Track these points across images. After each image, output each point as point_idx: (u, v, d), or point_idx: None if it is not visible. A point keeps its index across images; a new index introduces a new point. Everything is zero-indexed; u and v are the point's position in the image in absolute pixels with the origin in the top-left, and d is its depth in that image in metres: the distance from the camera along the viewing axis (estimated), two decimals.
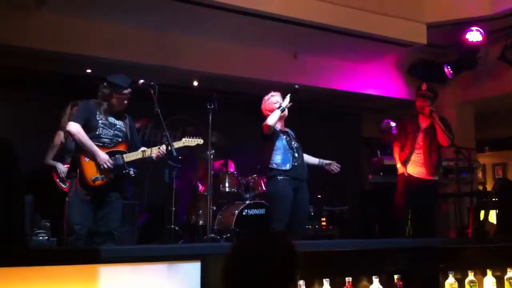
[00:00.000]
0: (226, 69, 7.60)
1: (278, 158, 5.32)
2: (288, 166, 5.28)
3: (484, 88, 8.75)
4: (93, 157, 4.62)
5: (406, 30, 7.43)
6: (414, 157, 6.17)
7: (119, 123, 4.85)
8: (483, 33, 7.59)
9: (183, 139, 5.19)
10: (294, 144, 5.44)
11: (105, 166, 4.62)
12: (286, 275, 1.81)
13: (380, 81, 8.90)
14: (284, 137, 5.39)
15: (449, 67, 8.33)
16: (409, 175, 6.16)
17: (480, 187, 8.64)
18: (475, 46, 7.77)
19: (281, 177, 5.27)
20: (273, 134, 5.34)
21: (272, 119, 5.25)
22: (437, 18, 7.55)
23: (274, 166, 5.31)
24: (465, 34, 7.63)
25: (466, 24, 7.59)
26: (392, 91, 9.04)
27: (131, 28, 6.88)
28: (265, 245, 1.85)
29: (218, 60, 7.46)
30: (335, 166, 5.71)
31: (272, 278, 1.79)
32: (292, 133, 5.57)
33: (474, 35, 7.60)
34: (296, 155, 5.38)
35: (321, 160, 5.73)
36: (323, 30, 7.02)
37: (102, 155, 4.63)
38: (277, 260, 1.81)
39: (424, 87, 6.28)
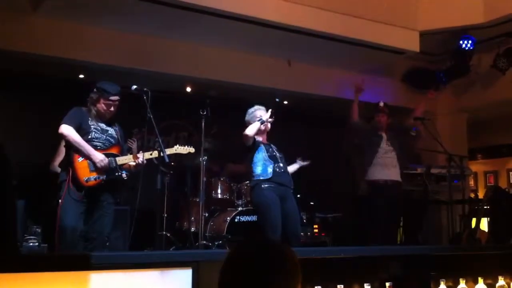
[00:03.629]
0: (219, 75, 7.59)
1: (258, 169, 5.39)
2: (270, 175, 5.30)
3: (477, 96, 8.79)
4: (88, 157, 4.64)
5: (399, 38, 7.45)
6: None
7: (110, 129, 4.89)
8: (475, 41, 7.63)
9: (175, 147, 5.21)
10: (277, 154, 5.48)
11: (102, 164, 4.65)
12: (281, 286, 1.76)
13: (373, 88, 8.90)
14: (265, 149, 5.42)
15: (442, 74, 8.37)
16: None
17: (472, 195, 8.66)
18: (467, 54, 7.81)
19: (265, 185, 5.29)
20: (254, 147, 5.39)
21: (251, 130, 5.29)
22: (430, 26, 7.58)
23: (255, 177, 5.37)
24: (458, 42, 7.67)
25: (459, 32, 7.62)
26: (386, 98, 9.05)
27: (124, 34, 6.86)
28: (263, 255, 1.80)
29: (211, 66, 7.45)
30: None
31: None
32: (274, 147, 5.58)
33: (467, 43, 7.63)
34: (281, 164, 5.42)
35: (298, 162, 5.85)
36: (317, 37, 7.03)
37: (98, 154, 4.69)
38: (274, 272, 1.76)
39: (382, 104, 6.78)
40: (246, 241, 1.88)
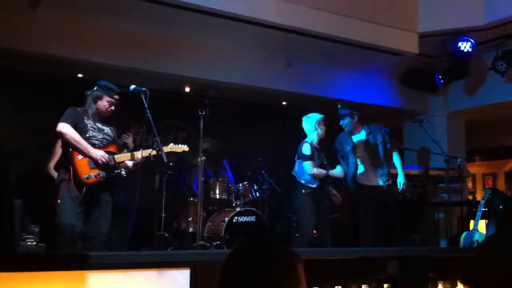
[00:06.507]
0: (218, 76, 7.57)
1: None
2: (309, 180, 6.08)
3: (475, 98, 8.79)
4: (87, 154, 4.64)
5: (398, 40, 7.45)
6: None
7: (106, 129, 4.91)
8: (474, 43, 7.62)
9: (170, 145, 5.25)
10: (318, 158, 6.20)
11: (103, 160, 4.66)
12: (271, 281, 1.75)
13: (372, 89, 8.91)
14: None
15: (440, 76, 8.35)
16: None
17: (470, 197, 8.66)
18: (466, 56, 7.80)
19: (302, 191, 6.08)
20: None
21: (315, 174, 6.16)
22: (429, 28, 7.57)
23: (298, 179, 6.15)
24: (457, 44, 7.66)
25: (458, 34, 7.62)
26: (384, 99, 9.06)
27: (124, 33, 6.84)
28: (264, 256, 1.79)
29: (210, 66, 7.44)
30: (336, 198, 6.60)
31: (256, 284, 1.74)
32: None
33: (466, 45, 7.63)
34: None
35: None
36: (316, 38, 7.03)
37: (97, 151, 4.70)
38: (274, 272, 1.76)
39: (339, 106, 6.77)
40: (246, 241, 1.88)
